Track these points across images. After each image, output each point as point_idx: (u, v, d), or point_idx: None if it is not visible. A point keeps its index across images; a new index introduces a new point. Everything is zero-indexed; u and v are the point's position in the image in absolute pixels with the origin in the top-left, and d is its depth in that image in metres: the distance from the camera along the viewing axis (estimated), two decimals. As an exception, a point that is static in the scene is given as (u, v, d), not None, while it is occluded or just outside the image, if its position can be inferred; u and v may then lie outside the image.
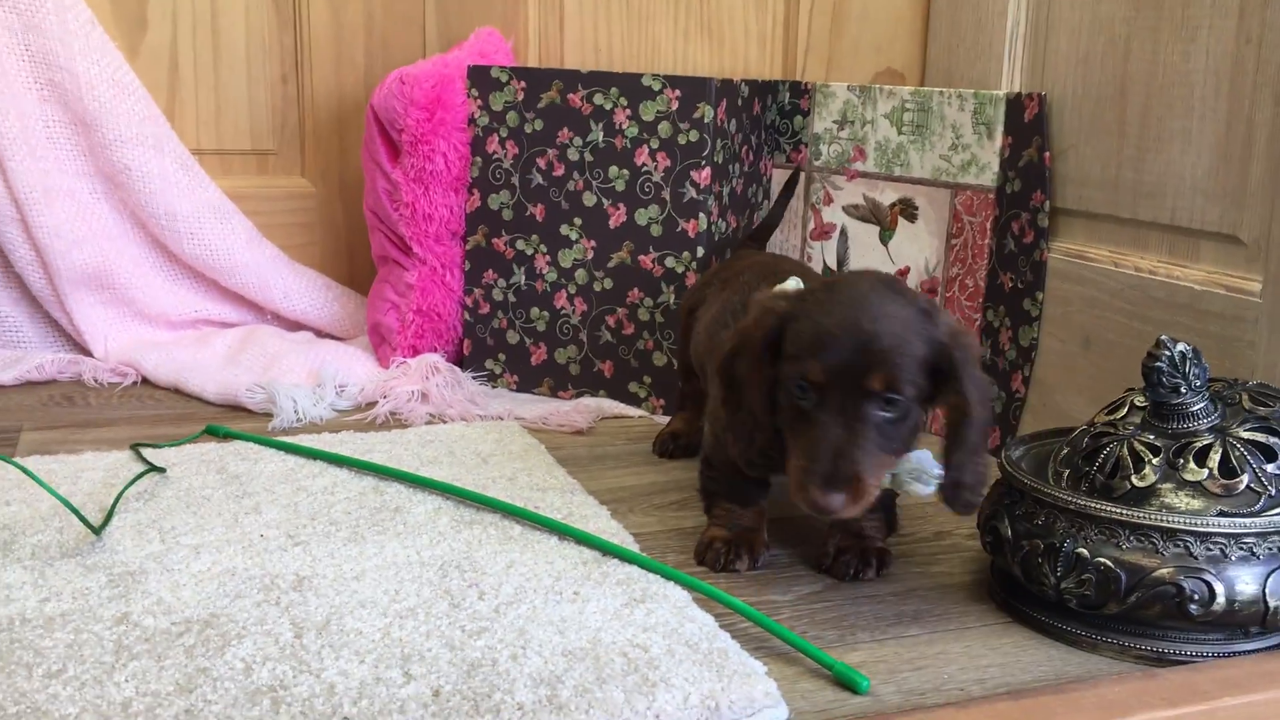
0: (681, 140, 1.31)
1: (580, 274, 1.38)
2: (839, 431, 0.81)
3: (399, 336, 1.45)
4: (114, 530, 0.95)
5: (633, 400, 1.39)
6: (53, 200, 1.43)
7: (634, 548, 0.95)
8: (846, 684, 0.77)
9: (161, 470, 1.08)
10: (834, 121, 1.39)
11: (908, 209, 1.34)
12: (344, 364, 1.43)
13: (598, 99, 1.34)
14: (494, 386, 1.44)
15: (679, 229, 1.33)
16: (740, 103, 1.36)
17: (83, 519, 0.92)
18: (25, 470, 0.90)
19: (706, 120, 1.30)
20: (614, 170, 1.35)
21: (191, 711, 0.69)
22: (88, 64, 1.43)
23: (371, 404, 1.36)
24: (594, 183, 1.36)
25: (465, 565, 0.90)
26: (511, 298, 1.42)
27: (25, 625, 0.78)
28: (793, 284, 0.94)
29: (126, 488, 1.02)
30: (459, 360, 1.47)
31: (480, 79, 1.40)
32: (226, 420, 1.29)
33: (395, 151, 1.45)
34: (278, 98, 1.59)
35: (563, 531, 0.97)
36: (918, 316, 0.83)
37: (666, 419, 1.34)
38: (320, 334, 1.58)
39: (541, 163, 1.39)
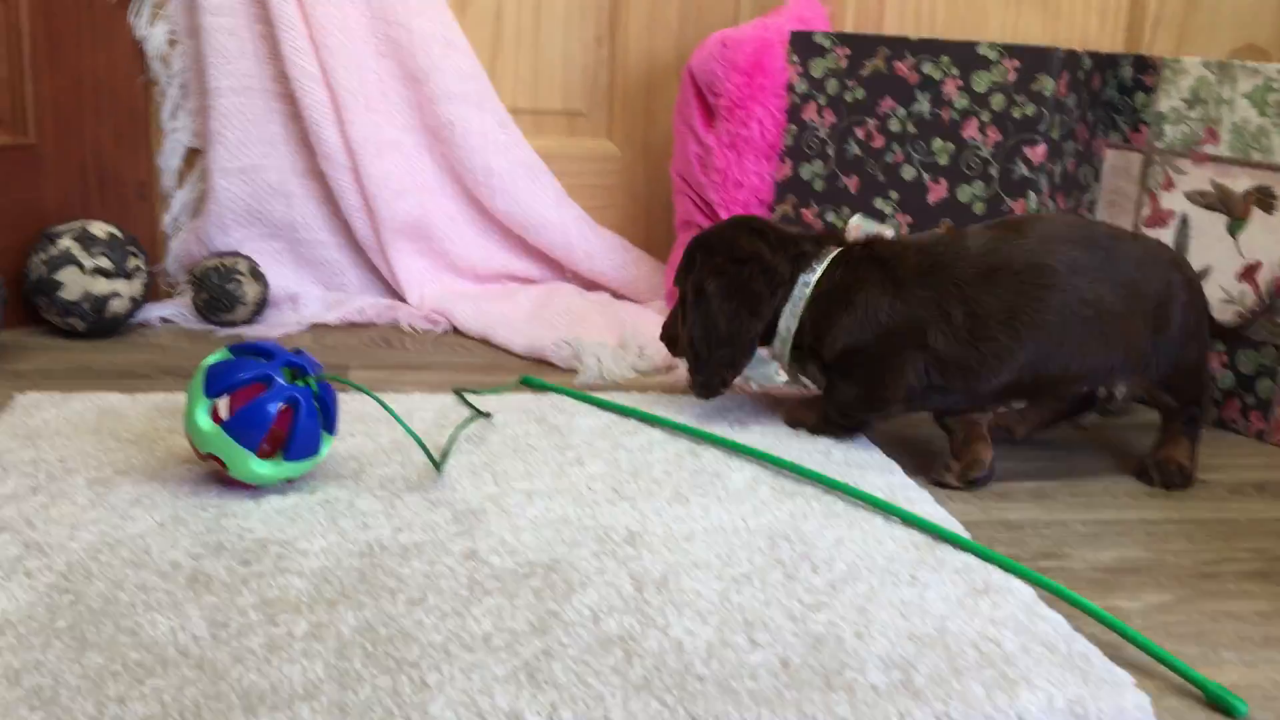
0: (1016, 114, 1.24)
1: (892, 249, 1.34)
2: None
3: (698, 302, 1.45)
4: (449, 469, 0.98)
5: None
6: (382, 152, 1.50)
7: (963, 534, 0.91)
8: (1220, 706, 0.71)
9: (488, 415, 1.11)
10: (1183, 100, 1.29)
11: (1265, 198, 1.23)
12: (643, 326, 1.44)
13: (926, 68, 1.29)
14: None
15: (1005, 208, 1.26)
16: (1082, 76, 1.28)
17: (430, 457, 0.95)
18: (387, 407, 0.95)
19: (1046, 93, 1.23)
20: (938, 143, 1.30)
21: (549, 652, 0.70)
22: (423, 21, 1.49)
23: (670, 367, 1.36)
24: (915, 155, 1.31)
25: (793, 536, 0.89)
26: (817, 270, 1.39)
27: (384, 552, 0.82)
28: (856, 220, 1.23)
29: (460, 429, 1.05)
30: (756, 330, 1.46)
31: (802, 44, 1.38)
32: (533, 373, 1.32)
33: (710, 116, 1.44)
34: (591, 59, 1.61)
35: (891, 512, 0.94)
36: (712, 243, 1.13)
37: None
38: (616, 295, 1.60)
39: (860, 133, 1.35)
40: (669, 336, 1.20)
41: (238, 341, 0.93)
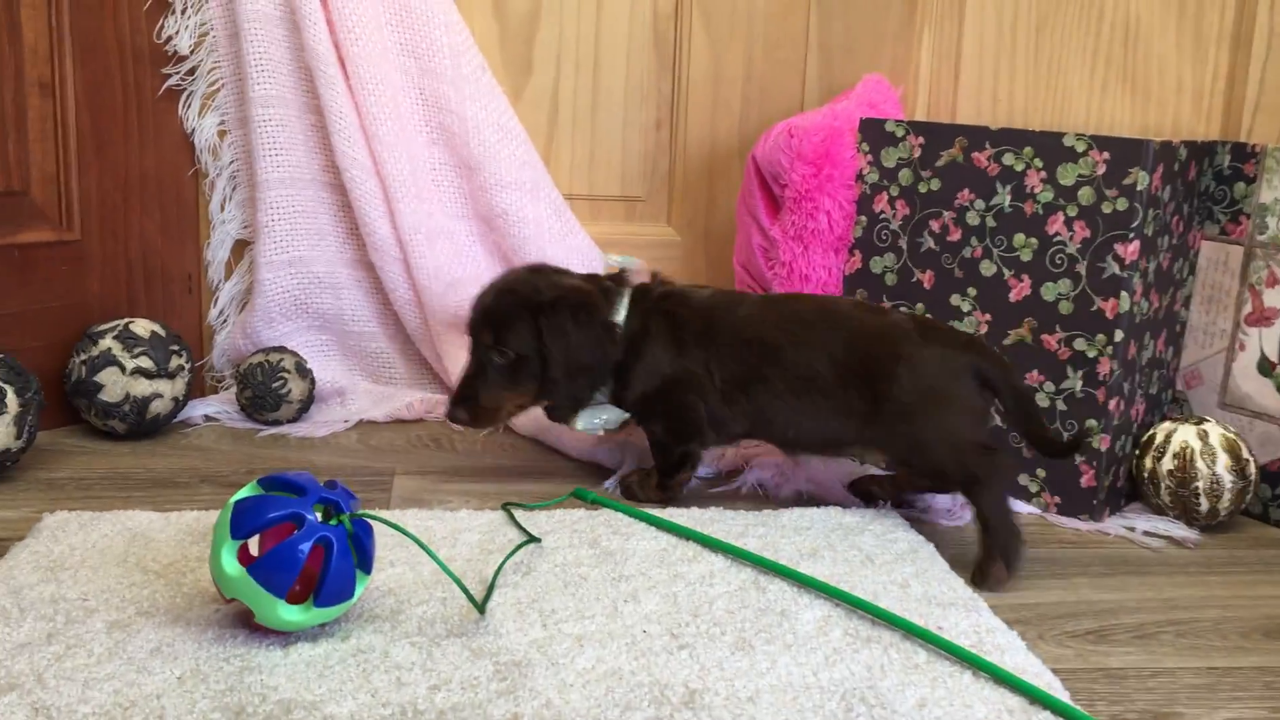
0: (1106, 209, 1.16)
1: (970, 349, 1.25)
2: (471, 369, 1.17)
3: (762, 401, 1.37)
4: (494, 607, 0.91)
5: (1022, 495, 1.24)
6: (434, 242, 1.45)
7: (1061, 694, 0.82)
8: None
9: (537, 540, 1.04)
10: (1288, 191, 1.19)
11: (1383, 299, 1.12)
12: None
13: (1007, 159, 1.21)
14: (861, 461, 1.33)
15: (1094, 308, 1.17)
16: (1176, 167, 1.19)
17: (470, 598, 0.88)
18: (417, 541, 0.87)
19: (1139, 188, 1.14)
20: (1020, 238, 1.21)
21: None
22: (476, 108, 1.44)
23: (735, 472, 1.29)
24: (995, 250, 1.23)
25: (870, 697, 0.80)
26: (889, 369, 1.31)
27: (418, 718, 0.74)
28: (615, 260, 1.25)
29: (506, 560, 0.98)
30: (824, 431, 1.37)
31: (872, 132, 1.30)
32: (586, 476, 1.25)
33: (774, 206, 1.37)
34: (650, 143, 1.55)
35: (979, 666, 0.85)
36: (534, 291, 1.14)
37: (1063, 518, 1.20)
38: (677, 389, 1.53)
39: (935, 225, 1.27)
40: (472, 398, 1.16)
41: (268, 474, 0.87)
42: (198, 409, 1.41)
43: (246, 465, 1.26)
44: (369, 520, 0.86)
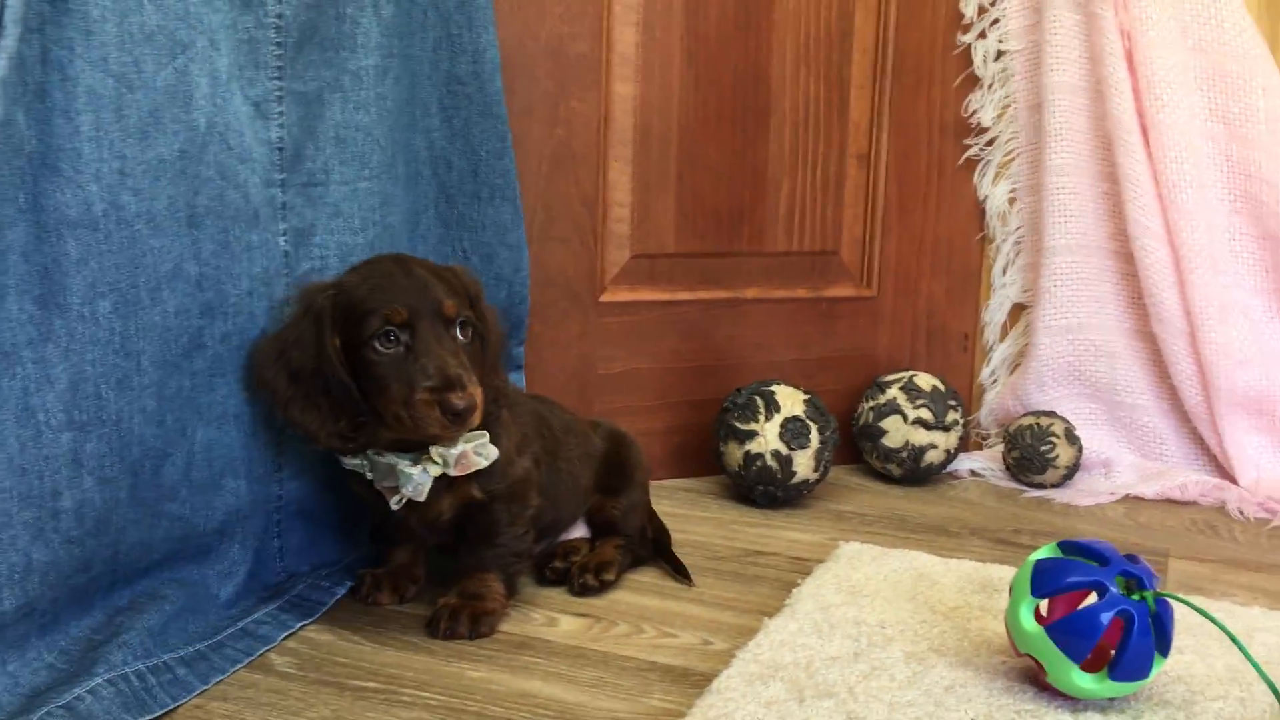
0: None
1: None
2: (441, 353, 0.89)
3: None
4: (1303, 722, 0.82)
5: None
6: (1226, 317, 1.36)
7: None
8: None
9: (1355, 658, 0.92)
10: None
11: None
12: None
13: None
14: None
15: None
16: None
17: (1283, 706, 0.81)
18: (1228, 632, 0.82)
19: None
20: None
21: None
22: (1290, 176, 1.33)
23: None
24: None
25: None
26: None
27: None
28: None
29: (1317, 673, 0.89)
30: None
31: None
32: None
33: None
34: None
35: None
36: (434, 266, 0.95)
37: None
38: None
39: None
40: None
41: (1067, 538, 0.88)
42: (964, 463, 1.48)
43: (1013, 524, 1.29)
44: (1170, 601, 0.83)
